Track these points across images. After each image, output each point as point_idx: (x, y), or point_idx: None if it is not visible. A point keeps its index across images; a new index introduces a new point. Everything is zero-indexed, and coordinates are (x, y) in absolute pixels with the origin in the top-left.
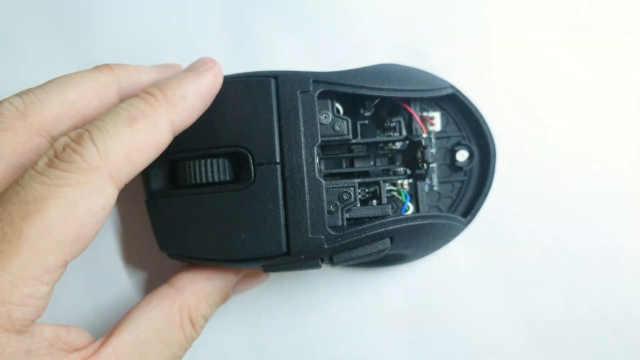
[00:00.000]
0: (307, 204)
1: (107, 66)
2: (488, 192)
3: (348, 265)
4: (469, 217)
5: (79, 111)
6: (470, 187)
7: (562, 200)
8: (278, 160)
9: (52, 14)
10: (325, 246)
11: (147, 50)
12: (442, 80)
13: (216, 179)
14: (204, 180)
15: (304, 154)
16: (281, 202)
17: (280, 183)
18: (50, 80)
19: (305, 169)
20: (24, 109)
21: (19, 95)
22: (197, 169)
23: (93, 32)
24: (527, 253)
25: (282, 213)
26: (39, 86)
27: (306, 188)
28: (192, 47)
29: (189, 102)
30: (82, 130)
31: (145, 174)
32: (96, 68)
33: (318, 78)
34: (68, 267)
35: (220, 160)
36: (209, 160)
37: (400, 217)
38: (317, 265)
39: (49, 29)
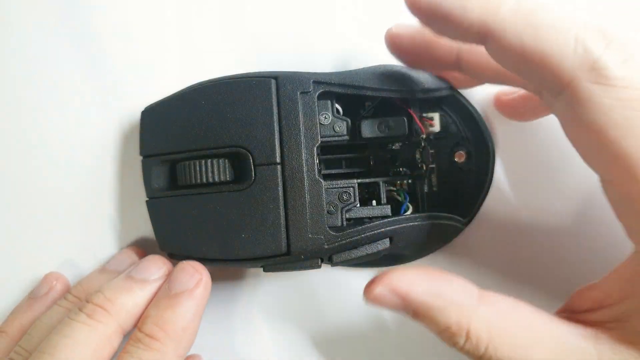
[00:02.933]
0: (307, 204)
1: (102, 310)
2: (487, 193)
3: (348, 265)
4: (468, 217)
5: None
6: (470, 188)
7: (562, 200)
8: (278, 160)
9: (53, 12)
10: (325, 246)
11: (147, 50)
12: (441, 81)
13: (216, 179)
14: (205, 180)
15: (304, 154)
16: (281, 202)
17: (280, 183)
18: (53, 351)
19: (305, 169)
20: None
21: None
22: (198, 169)
23: (94, 30)
24: (526, 253)
25: (282, 213)
26: None
27: (306, 188)
28: (193, 47)
29: (191, 329)
30: None
31: (147, 174)
32: (93, 317)
33: (318, 79)
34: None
35: (220, 161)
36: (209, 161)
37: (400, 217)
38: (317, 265)
39: (51, 27)
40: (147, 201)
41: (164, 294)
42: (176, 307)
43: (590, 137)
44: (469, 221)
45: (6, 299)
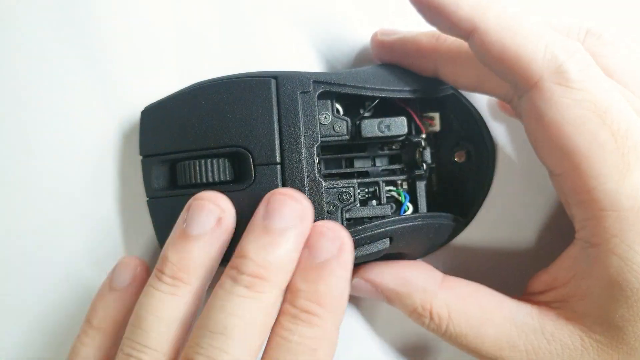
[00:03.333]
0: None
1: (260, 280)
2: (487, 192)
3: None
4: (468, 217)
5: None
6: (470, 187)
7: None
8: (278, 160)
9: (53, 12)
10: None
11: (147, 50)
12: (441, 81)
13: (216, 179)
14: (205, 180)
15: (303, 154)
16: None
17: (280, 183)
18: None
19: (305, 169)
20: None
21: None
22: (198, 169)
23: (94, 30)
24: (526, 253)
25: None
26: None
27: (306, 188)
28: (192, 47)
29: (345, 295)
30: None
31: (147, 174)
32: (254, 289)
33: (318, 78)
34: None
35: (220, 161)
36: (209, 160)
37: (400, 217)
38: None
39: (51, 27)
40: (147, 201)
41: (308, 264)
42: (327, 277)
43: (548, 132)
44: (469, 221)
45: (5, 299)
